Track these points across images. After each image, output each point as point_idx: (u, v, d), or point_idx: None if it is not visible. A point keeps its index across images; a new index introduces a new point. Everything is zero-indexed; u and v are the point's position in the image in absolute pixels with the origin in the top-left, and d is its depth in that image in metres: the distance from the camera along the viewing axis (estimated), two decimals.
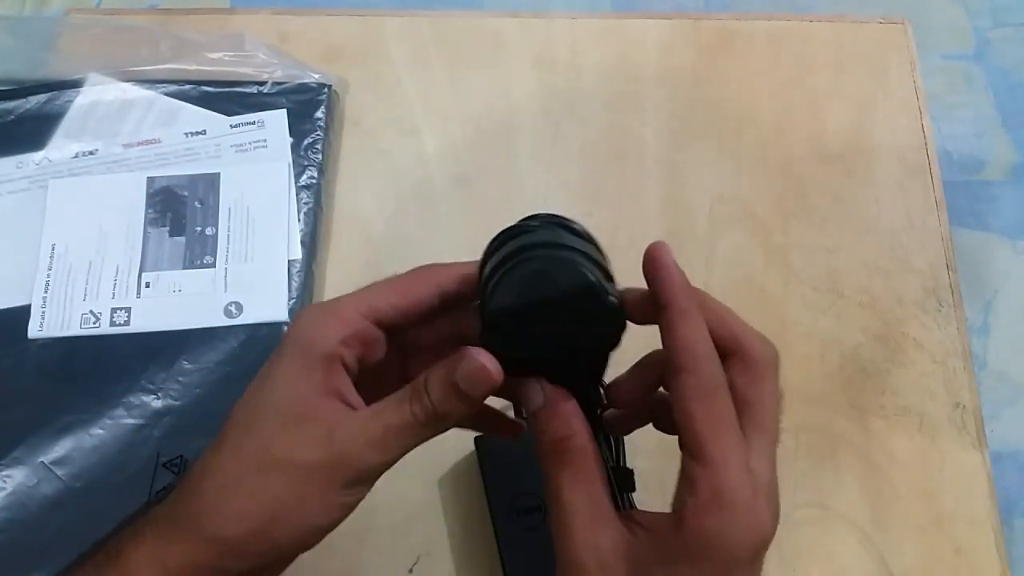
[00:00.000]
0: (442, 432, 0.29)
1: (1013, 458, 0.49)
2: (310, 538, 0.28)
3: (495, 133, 0.56)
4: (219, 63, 0.55)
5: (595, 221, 0.54)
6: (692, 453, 0.26)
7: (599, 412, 0.31)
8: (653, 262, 0.28)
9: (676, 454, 0.47)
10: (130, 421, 0.45)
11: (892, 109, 0.57)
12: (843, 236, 0.53)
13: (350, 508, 0.28)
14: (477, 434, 0.44)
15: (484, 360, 0.27)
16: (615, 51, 0.59)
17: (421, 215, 0.53)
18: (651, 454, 0.47)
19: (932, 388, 0.49)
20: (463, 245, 0.52)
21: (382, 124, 0.56)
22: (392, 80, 0.57)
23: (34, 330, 0.47)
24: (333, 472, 0.27)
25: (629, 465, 0.44)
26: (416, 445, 0.28)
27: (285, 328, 0.47)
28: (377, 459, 0.28)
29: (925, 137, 0.56)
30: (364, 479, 0.28)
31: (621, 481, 0.30)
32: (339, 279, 0.51)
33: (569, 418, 0.29)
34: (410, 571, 0.44)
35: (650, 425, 0.48)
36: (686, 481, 0.26)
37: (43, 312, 0.47)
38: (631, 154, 0.55)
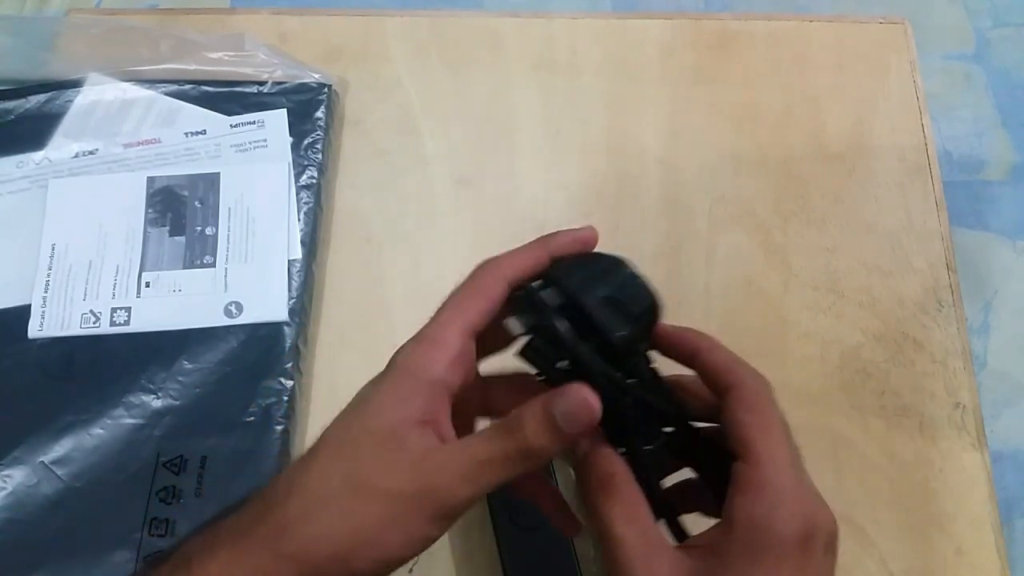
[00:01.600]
0: (531, 469, 0.28)
1: (1013, 458, 0.49)
2: (385, 569, 0.27)
3: (495, 133, 0.56)
4: (219, 63, 0.55)
5: (595, 221, 0.53)
6: (740, 455, 0.28)
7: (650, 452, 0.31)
8: (670, 336, 0.32)
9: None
10: (130, 421, 0.45)
11: (892, 109, 0.57)
12: (843, 236, 0.53)
13: (430, 542, 0.27)
14: None
15: (587, 395, 0.27)
16: (615, 51, 0.59)
17: (421, 215, 0.53)
18: None
19: (932, 388, 0.49)
20: (463, 245, 0.53)
21: (382, 124, 0.56)
22: (392, 80, 0.57)
23: (34, 330, 0.47)
24: (421, 503, 0.27)
25: None
26: (505, 481, 0.28)
27: (286, 329, 0.48)
28: (465, 493, 0.27)
29: (925, 137, 0.56)
30: (449, 513, 0.27)
31: (669, 511, 0.30)
32: (339, 279, 0.51)
33: (612, 456, 0.29)
34: (410, 571, 0.44)
35: None
36: (734, 484, 0.27)
37: (43, 312, 0.47)
38: (631, 154, 0.55)
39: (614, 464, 0.29)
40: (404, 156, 0.55)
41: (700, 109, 0.57)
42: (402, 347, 0.30)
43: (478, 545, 0.44)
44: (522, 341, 0.30)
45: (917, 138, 0.56)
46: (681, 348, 0.32)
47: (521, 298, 0.30)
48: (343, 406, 0.43)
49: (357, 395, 0.29)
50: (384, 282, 0.51)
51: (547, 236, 0.32)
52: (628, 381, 0.29)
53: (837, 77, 0.58)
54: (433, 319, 0.30)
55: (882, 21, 0.60)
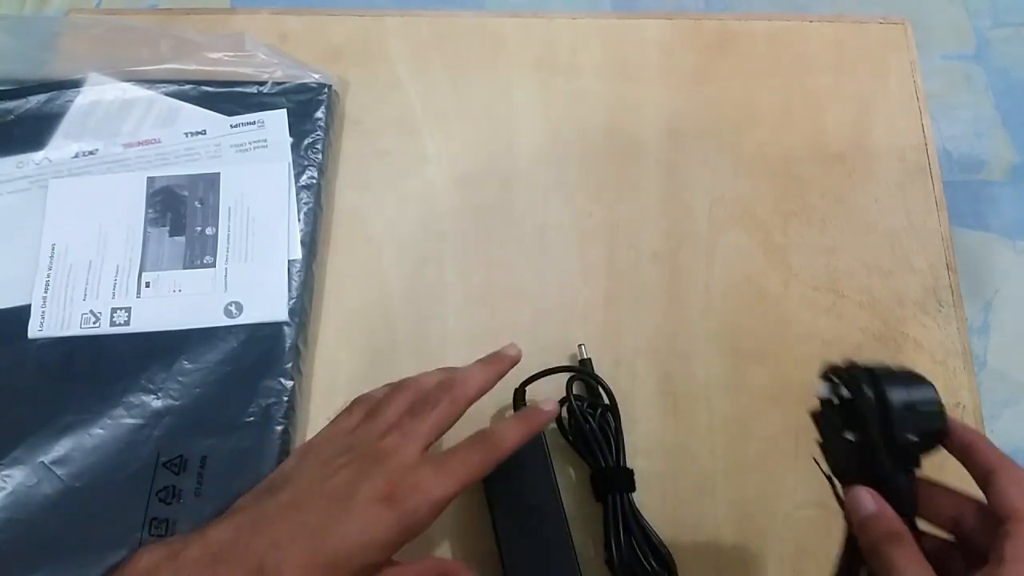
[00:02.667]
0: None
1: (1013, 458, 0.49)
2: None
3: (495, 133, 0.56)
4: (219, 63, 0.55)
5: (595, 221, 0.54)
6: (1006, 517, 0.30)
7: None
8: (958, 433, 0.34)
9: (675, 455, 0.47)
10: (130, 421, 0.45)
11: (892, 109, 0.57)
12: (843, 236, 0.53)
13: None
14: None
15: (869, 497, 0.32)
16: (615, 51, 0.59)
17: (421, 215, 0.53)
18: (651, 454, 0.47)
19: None
20: (463, 245, 0.53)
21: (382, 124, 0.56)
22: (392, 80, 0.57)
23: (34, 330, 0.47)
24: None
25: (629, 465, 0.45)
26: None
27: (286, 329, 0.48)
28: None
29: (925, 137, 0.56)
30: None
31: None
32: (339, 279, 0.51)
33: (897, 518, 0.33)
34: None
35: (647, 425, 0.48)
36: (999, 540, 0.30)
37: (43, 312, 0.47)
38: (631, 154, 0.55)
39: (901, 523, 0.32)
40: (404, 156, 0.55)
41: (700, 109, 0.57)
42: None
43: (478, 544, 0.44)
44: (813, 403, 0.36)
45: (917, 138, 0.56)
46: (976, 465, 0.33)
47: (842, 373, 0.35)
48: (343, 406, 0.43)
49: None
50: (384, 282, 0.51)
51: (496, 355, 0.39)
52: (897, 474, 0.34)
53: (837, 77, 0.58)
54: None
55: (882, 21, 0.60)
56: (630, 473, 0.44)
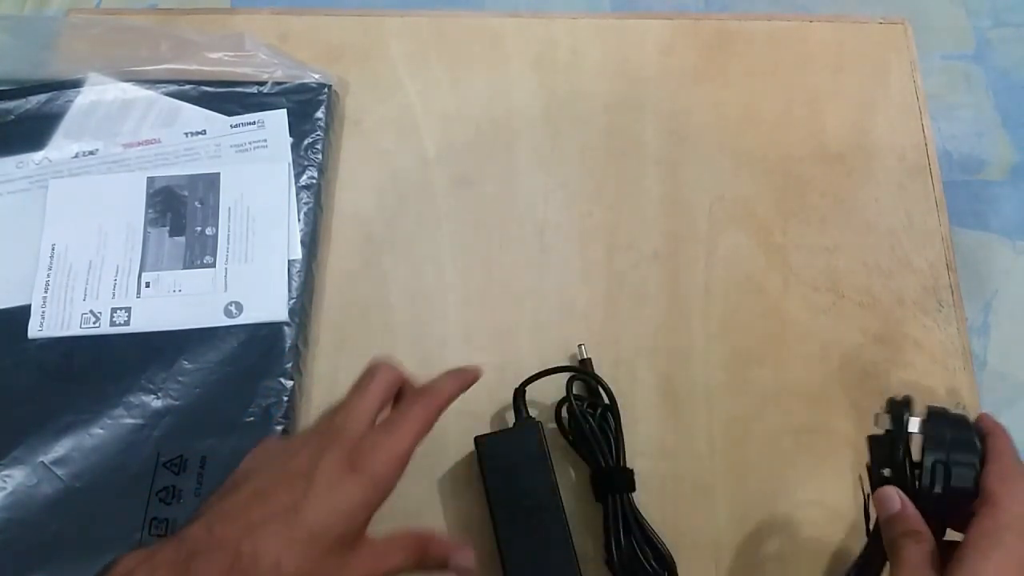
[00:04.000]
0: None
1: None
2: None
3: (495, 133, 0.56)
4: (219, 63, 0.55)
5: (595, 221, 0.54)
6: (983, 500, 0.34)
7: None
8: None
9: (675, 455, 0.48)
10: (130, 421, 0.45)
11: (892, 109, 0.57)
12: (843, 236, 0.53)
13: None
14: (477, 434, 0.44)
15: (895, 496, 0.36)
16: (615, 51, 0.59)
17: (421, 215, 0.53)
18: (651, 454, 0.47)
19: (932, 388, 0.49)
20: (463, 245, 0.53)
21: (382, 124, 0.56)
22: (392, 80, 0.57)
23: (34, 330, 0.47)
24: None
25: (629, 465, 0.45)
26: None
27: (286, 329, 0.47)
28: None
29: (925, 137, 0.56)
30: None
31: None
32: (339, 279, 0.51)
33: (917, 516, 0.35)
34: None
35: (647, 425, 0.48)
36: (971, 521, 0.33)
37: (43, 312, 0.48)
38: (631, 154, 0.55)
39: (921, 523, 0.35)
40: (404, 156, 0.55)
41: (700, 109, 0.57)
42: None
43: (478, 545, 0.44)
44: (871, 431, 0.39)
45: (917, 138, 0.56)
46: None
47: (898, 410, 0.39)
48: None
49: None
50: (384, 282, 0.51)
51: (460, 370, 0.38)
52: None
53: (837, 77, 0.58)
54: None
55: (882, 21, 0.60)
56: (630, 473, 0.44)
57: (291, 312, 0.48)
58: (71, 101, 0.53)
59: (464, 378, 0.38)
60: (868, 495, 0.40)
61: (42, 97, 0.53)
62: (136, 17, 0.59)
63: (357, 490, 0.32)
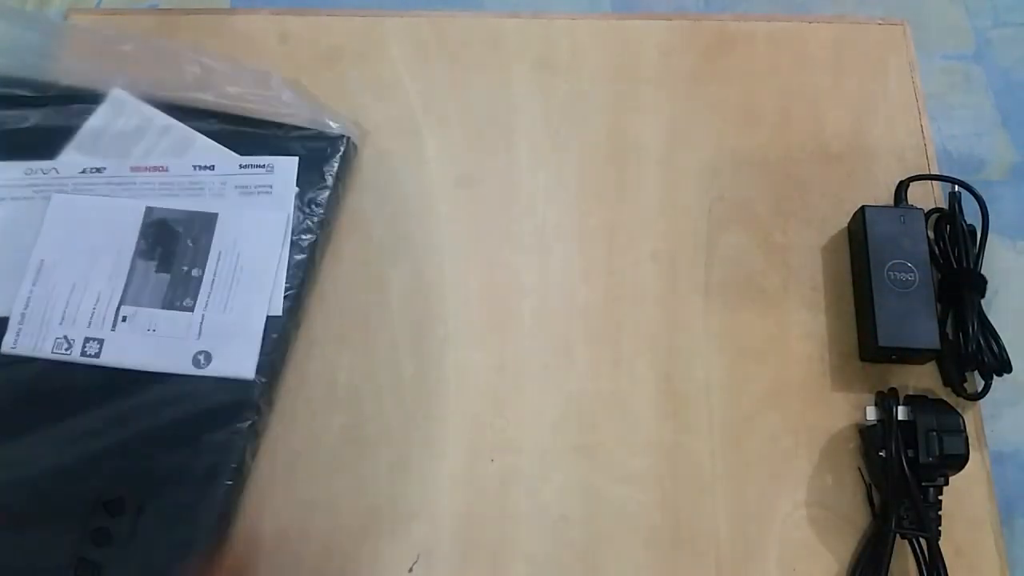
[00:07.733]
0: None
1: (1013, 458, 0.49)
2: None
3: (495, 133, 0.56)
4: (241, 99, 0.53)
5: (595, 221, 0.54)
6: None
7: None
8: None
9: (675, 455, 0.47)
10: (76, 454, 0.44)
11: (892, 109, 0.57)
12: (843, 236, 0.53)
13: None
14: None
15: None
16: (615, 51, 0.59)
17: (421, 215, 0.53)
18: (651, 454, 0.47)
19: (932, 388, 0.49)
20: (463, 245, 0.53)
21: (382, 124, 0.56)
22: (392, 80, 0.57)
23: (7, 345, 0.47)
24: None
25: (628, 465, 0.44)
26: None
27: (251, 387, 0.46)
28: None
29: (924, 137, 0.56)
30: None
31: None
32: (339, 280, 0.51)
33: None
34: (410, 571, 0.44)
35: (649, 425, 0.48)
36: None
37: (19, 329, 0.47)
38: (631, 154, 0.55)
39: None
40: (404, 156, 0.55)
41: (700, 109, 0.57)
42: None
43: (478, 545, 0.44)
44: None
45: (916, 138, 0.56)
46: None
47: (884, 398, 0.45)
48: (342, 406, 0.43)
49: None
50: (384, 282, 0.51)
51: None
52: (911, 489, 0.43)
53: (836, 77, 0.58)
54: None
55: (881, 22, 0.60)
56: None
57: (260, 369, 0.47)
58: (88, 115, 0.53)
59: None
60: (869, 484, 0.45)
61: (61, 107, 0.52)
62: (141, 16, 0.59)
63: None
